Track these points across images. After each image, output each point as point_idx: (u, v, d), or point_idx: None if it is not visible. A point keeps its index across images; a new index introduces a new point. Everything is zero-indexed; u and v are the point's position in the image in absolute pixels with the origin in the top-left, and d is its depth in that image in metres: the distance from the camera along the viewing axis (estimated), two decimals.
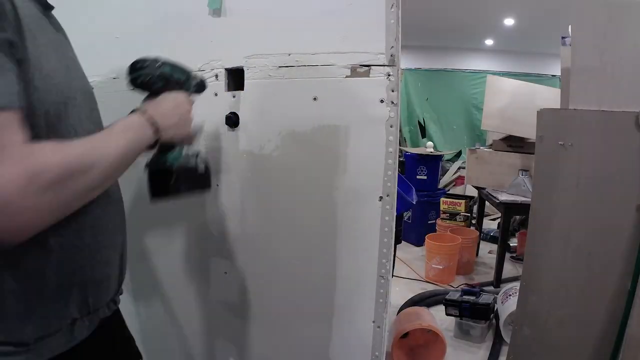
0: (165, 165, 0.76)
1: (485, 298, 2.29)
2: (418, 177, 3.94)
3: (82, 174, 0.57)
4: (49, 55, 0.62)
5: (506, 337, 2.16)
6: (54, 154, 0.55)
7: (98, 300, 0.72)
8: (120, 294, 0.82)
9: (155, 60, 0.76)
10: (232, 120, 1.03)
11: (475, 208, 4.02)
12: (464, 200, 3.80)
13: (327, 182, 0.98)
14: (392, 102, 0.90)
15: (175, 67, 0.80)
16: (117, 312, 0.82)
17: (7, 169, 0.50)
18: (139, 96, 0.88)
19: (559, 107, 1.66)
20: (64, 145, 0.56)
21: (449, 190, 4.87)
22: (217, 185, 1.08)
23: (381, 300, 0.97)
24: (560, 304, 1.48)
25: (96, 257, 0.70)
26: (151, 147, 0.71)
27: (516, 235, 3.80)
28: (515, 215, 3.75)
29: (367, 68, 0.91)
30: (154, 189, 0.77)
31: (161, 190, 0.77)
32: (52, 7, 0.70)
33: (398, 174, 0.94)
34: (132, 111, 0.73)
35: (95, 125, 0.72)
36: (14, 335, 0.61)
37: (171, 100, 0.76)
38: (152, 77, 0.75)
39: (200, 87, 0.90)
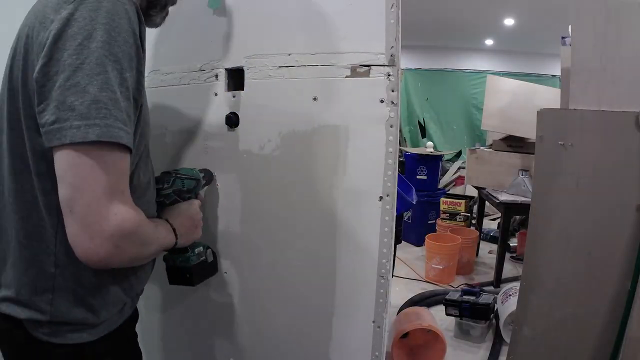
0: (181, 263, 0.87)
1: (485, 298, 2.29)
2: (418, 177, 3.94)
3: (147, 246, 0.68)
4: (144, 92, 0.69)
5: (506, 337, 2.16)
6: (147, 220, 0.65)
7: (140, 285, 0.82)
8: None
9: (168, 179, 0.86)
10: (232, 120, 1.03)
11: (475, 208, 4.02)
12: (464, 200, 3.80)
13: (327, 182, 0.98)
14: (392, 102, 0.90)
15: (185, 179, 0.89)
16: None
17: (127, 212, 0.59)
18: None
19: (559, 107, 1.67)
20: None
21: (449, 190, 4.87)
22: (217, 185, 1.08)
23: (381, 300, 0.97)
24: (560, 304, 1.48)
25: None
26: (170, 249, 0.82)
27: (516, 235, 3.80)
28: (515, 215, 3.75)
29: (367, 68, 0.91)
30: (172, 280, 0.90)
31: (179, 282, 0.90)
32: None
33: (398, 174, 0.94)
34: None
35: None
36: (84, 319, 0.68)
37: (185, 212, 0.86)
38: (167, 196, 0.85)
39: (209, 180, 1.02)
